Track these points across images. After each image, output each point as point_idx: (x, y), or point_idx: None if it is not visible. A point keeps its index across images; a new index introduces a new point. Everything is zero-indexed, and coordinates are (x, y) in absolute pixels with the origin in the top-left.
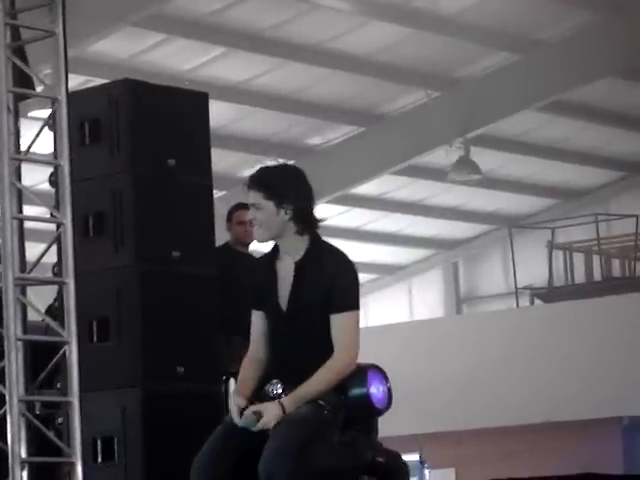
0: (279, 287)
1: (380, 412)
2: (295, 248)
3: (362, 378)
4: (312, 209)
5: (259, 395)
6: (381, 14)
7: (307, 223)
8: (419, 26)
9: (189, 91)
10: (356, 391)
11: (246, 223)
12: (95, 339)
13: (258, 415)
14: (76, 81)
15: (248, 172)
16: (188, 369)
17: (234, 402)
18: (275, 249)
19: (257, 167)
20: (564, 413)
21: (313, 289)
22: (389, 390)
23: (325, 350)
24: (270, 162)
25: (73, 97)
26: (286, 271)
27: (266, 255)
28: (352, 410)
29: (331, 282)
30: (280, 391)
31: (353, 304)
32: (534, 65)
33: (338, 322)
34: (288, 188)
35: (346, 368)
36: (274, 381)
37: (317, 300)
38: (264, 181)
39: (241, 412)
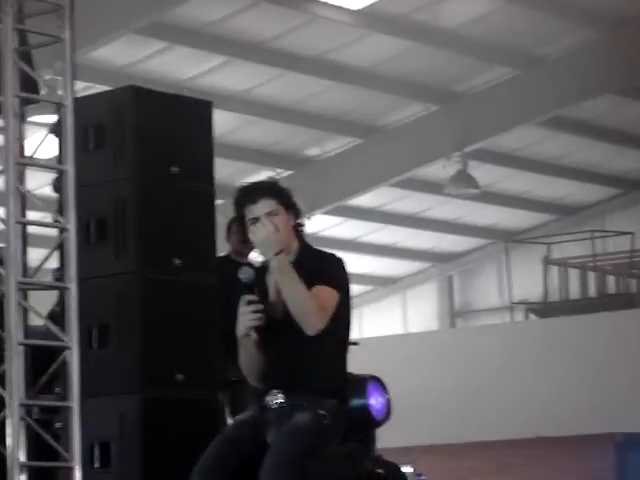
0: (271, 299)
1: (379, 423)
2: (290, 253)
3: (362, 389)
4: None
5: (260, 404)
6: (382, 27)
7: (302, 230)
8: (419, 39)
9: (193, 99)
10: (356, 402)
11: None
12: (95, 345)
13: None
14: (76, 87)
15: (246, 181)
16: (188, 376)
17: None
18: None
19: (245, 182)
20: (557, 428)
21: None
22: (388, 402)
23: (322, 352)
24: (267, 173)
25: (77, 103)
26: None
27: (259, 270)
28: (352, 421)
29: (316, 272)
30: (282, 401)
31: (334, 283)
32: (533, 81)
33: (316, 290)
34: (290, 195)
35: (317, 317)
36: (274, 391)
37: None
38: (274, 189)
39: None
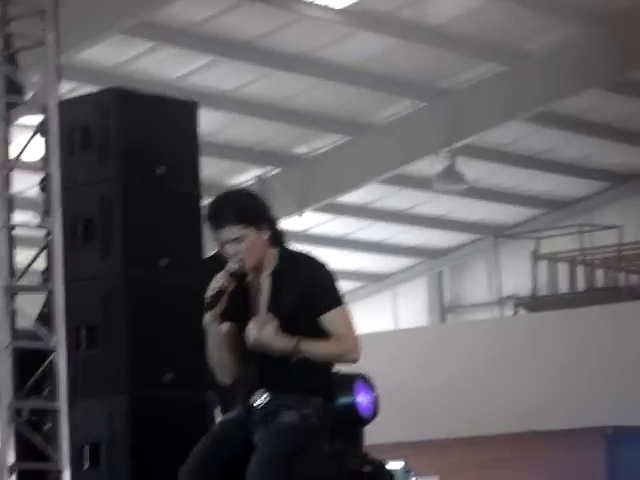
0: (255, 302)
1: (366, 421)
2: (269, 261)
3: (349, 387)
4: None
5: (246, 404)
6: (368, 24)
7: (279, 236)
8: (406, 36)
9: (178, 100)
10: (343, 400)
11: None
12: (83, 346)
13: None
14: (63, 88)
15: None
16: (176, 376)
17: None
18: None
19: (210, 201)
20: (548, 422)
21: (292, 293)
22: (375, 399)
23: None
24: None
25: (63, 105)
26: (260, 285)
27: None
28: (338, 419)
29: (309, 285)
30: (268, 400)
31: (337, 300)
32: (520, 76)
33: (329, 320)
34: (258, 210)
35: (351, 350)
36: (260, 391)
37: (297, 304)
38: (238, 212)
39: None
